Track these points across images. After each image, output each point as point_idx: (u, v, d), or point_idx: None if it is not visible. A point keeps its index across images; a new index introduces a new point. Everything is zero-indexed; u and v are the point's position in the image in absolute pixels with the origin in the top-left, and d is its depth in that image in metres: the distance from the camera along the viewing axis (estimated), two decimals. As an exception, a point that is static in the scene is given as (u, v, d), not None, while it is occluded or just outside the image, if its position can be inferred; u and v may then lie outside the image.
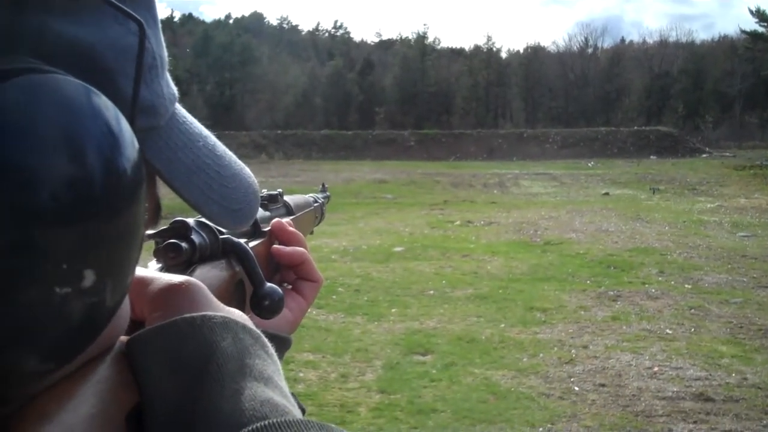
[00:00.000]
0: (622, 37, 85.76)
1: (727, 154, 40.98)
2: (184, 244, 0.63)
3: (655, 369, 5.66)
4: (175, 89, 0.54)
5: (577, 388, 5.33)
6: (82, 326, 0.39)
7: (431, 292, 8.44)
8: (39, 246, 0.34)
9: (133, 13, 0.43)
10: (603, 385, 5.37)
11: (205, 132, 0.58)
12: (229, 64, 66.42)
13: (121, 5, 0.42)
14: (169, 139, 0.52)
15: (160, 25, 0.51)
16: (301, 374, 5.60)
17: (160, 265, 0.62)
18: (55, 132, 0.35)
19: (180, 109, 0.55)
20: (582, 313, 7.38)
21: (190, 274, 0.61)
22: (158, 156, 0.51)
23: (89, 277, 0.38)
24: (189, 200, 0.54)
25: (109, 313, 0.42)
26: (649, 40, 73.82)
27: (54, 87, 0.36)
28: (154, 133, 0.50)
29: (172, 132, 0.53)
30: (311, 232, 1.16)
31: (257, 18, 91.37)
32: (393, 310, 7.59)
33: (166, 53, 0.52)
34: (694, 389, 5.23)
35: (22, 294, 0.34)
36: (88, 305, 0.39)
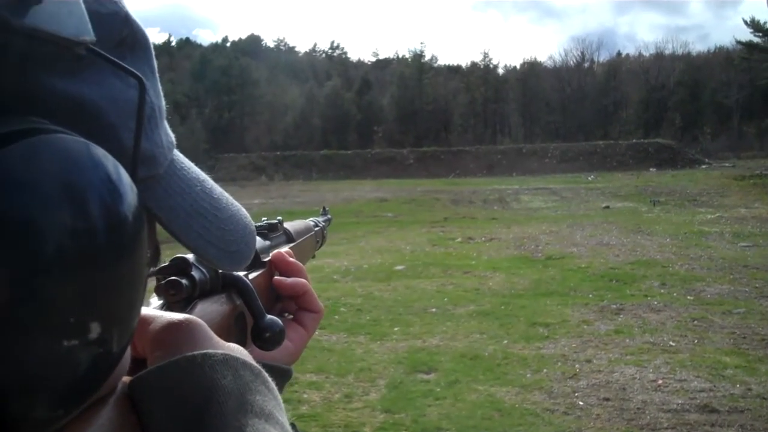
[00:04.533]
0: (618, 50, 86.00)
1: (727, 164, 41.00)
2: (184, 281, 0.64)
3: (659, 382, 5.65)
4: (172, 136, 0.55)
5: (581, 403, 5.31)
6: (89, 375, 0.40)
7: (433, 309, 8.43)
8: (46, 299, 0.35)
9: (133, 70, 0.45)
10: (607, 399, 5.35)
11: (203, 176, 0.59)
12: (227, 87, 66.71)
13: (120, 63, 0.44)
14: (168, 187, 0.53)
15: (157, 75, 0.52)
16: (305, 395, 5.59)
17: (161, 302, 0.63)
18: (59, 189, 0.36)
19: (178, 155, 0.56)
20: (585, 327, 7.36)
21: (190, 310, 0.62)
22: (158, 203, 0.52)
23: (95, 330, 0.39)
24: (188, 245, 0.55)
25: (116, 360, 0.42)
26: (645, 53, 74.23)
27: (58, 147, 0.37)
28: (154, 181, 0.52)
29: (171, 179, 0.54)
30: (313, 256, 1.16)
31: (254, 40, 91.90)
32: (395, 329, 7.57)
33: (163, 102, 0.53)
34: (698, 401, 5.20)
35: (30, 347, 0.35)
36: (95, 355, 0.39)
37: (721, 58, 64.91)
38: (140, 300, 0.44)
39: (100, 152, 0.40)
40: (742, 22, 45.59)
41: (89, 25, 0.41)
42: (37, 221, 0.34)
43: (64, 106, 0.41)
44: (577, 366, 6.12)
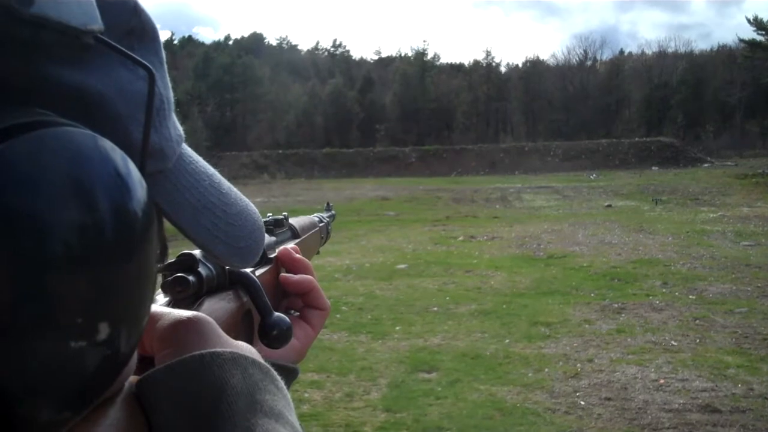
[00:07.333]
0: (621, 48, 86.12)
1: (729, 163, 40.99)
2: (191, 277, 0.63)
3: (661, 381, 5.64)
4: (181, 130, 0.54)
5: (583, 403, 5.31)
6: (97, 376, 0.39)
7: (435, 308, 8.42)
8: (53, 297, 0.34)
9: (142, 60, 0.44)
10: (609, 399, 5.34)
11: (211, 170, 0.58)
12: (229, 85, 66.75)
13: (129, 53, 0.43)
14: (177, 181, 0.52)
15: (166, 67, 0.51)
16: (306, 394, 5.59)
17: (167, 299, 0.62)
18: (66, 183, 0.35)
19: (186, 149, 0.55)
20: (586, 326, 7.35)
21: (197, 307, 0.62)
22: (166, 198, 0.51)
23: (104, 330, 0.38)
24: (196, 240, 0.54)
25: (124, 361, 0.42)
26: (648, 51, 74.22)
27: (64, 139, 0.36)
28: (162, 175, 0.51)
29: (180, 173, 0.53)
30: (317, 252, 1.16)
31: (257, 38, 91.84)
32: (397, 328, 7.57)
33: (172, 94, 0.52)
34: (700, 401, 5.20)
35: (36, 349, 0.34)
36: (103, 356, 0.39)
37: (723, 56, 64.84)
38: (150, 299, 0.44)
39: (108, 145, 0.39)
40: (745, 20, 45.53)
41: (97, 14, 0.40)
42: (44, 218, 0.34)
43: (71, 97, 0.40)
44: (578, 365, 6.12)
